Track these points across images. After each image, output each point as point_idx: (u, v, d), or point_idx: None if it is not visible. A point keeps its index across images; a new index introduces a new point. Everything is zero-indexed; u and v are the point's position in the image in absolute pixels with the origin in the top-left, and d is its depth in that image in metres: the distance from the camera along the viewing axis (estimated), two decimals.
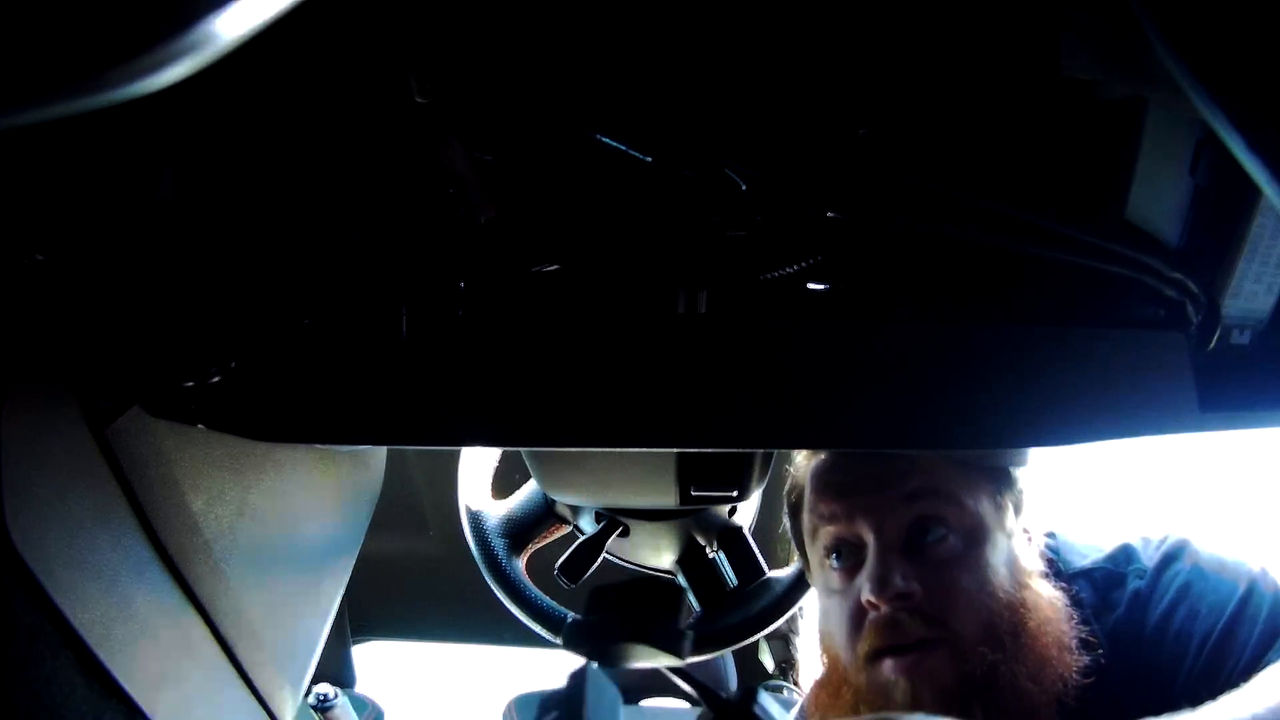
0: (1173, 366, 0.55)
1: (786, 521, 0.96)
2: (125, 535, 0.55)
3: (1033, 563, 0.84)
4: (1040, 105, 0.52)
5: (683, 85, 0.52)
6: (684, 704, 2.60)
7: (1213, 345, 0.55)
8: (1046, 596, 0.81)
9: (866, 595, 0.78)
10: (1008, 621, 0.78)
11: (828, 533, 0.83)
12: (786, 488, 0.94)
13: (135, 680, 0.53)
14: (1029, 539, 0.86)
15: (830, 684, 0.84)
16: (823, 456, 0.87)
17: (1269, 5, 0.29)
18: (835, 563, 0.83)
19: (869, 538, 0.80)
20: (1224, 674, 0.76)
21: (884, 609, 0.77)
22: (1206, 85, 0.29)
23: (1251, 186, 0.32)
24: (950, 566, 0.78)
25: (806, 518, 0.89)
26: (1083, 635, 0.80)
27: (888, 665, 0.77)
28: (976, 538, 0.80)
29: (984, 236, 0.54)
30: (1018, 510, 0.85)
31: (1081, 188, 0.54)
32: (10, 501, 0.46)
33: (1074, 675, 0.78)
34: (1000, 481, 0.84)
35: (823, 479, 0.85)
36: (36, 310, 0.50)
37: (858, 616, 0.80)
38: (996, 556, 0.80)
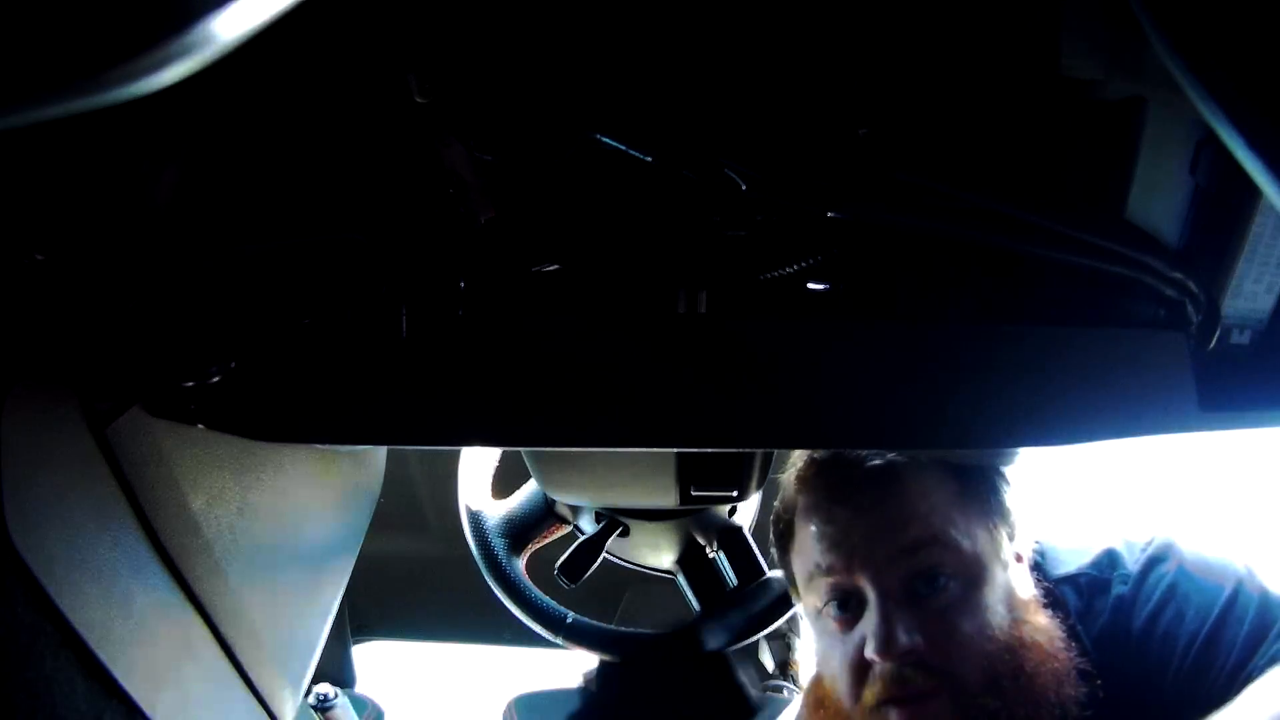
0: (1173, 366, 0.55)
1: (774, 553, 0.96)
2: (125, 535, 0.55)
3: (1027, 590, 0.84)
4: (1040, 105, 0.52)
5: (683, 85, 0.52)
6: None
7: (1213, 345, 0.55)
8: (1044, 629, 0.81)
9: (871, 652, 0.78)
10: (1007, 665, 0.78)
11: (826, 583, 0.83)
12: (772, 516, 0.94)
13: (135, 680, 0.53)
14: (1022, 561, 0.86)
15: (830, 714, 0.84)
16: (812, 494, 0.86)
17: (1268, 5, 0.29)
18: (834, 611, 0.83)
19: (870, 592, 0.79)
20: (1210, 676, 0.76)
21: (888, 664, 0.77)
22: (1206, 84, 0.29)
23: (1251, 186, 0.32)
24: (951, 613, 0.78)
25: (798, 563, 0.88)
26: (1080, 666, 0.80)
27: (893, 715, 0.77)
28: (975, 580, 0.80)
29: (984, 236, 0.54)
30: (1011, 537, 0.85)
31: (1081, 187, 0.54)
32: (10, 501, 0.46)
33: (1073, 708, 0.78)
34: (994, 513, 0.84)
35: (817, 529, 0.84)
36: (36, 310, 0.50)
37: (861, 668, 0.80)
38: (994, 595, 0.80)
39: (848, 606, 0.82)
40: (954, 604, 0.79)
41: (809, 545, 0.85)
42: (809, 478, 0.87)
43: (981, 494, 0.84)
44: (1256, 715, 0.67)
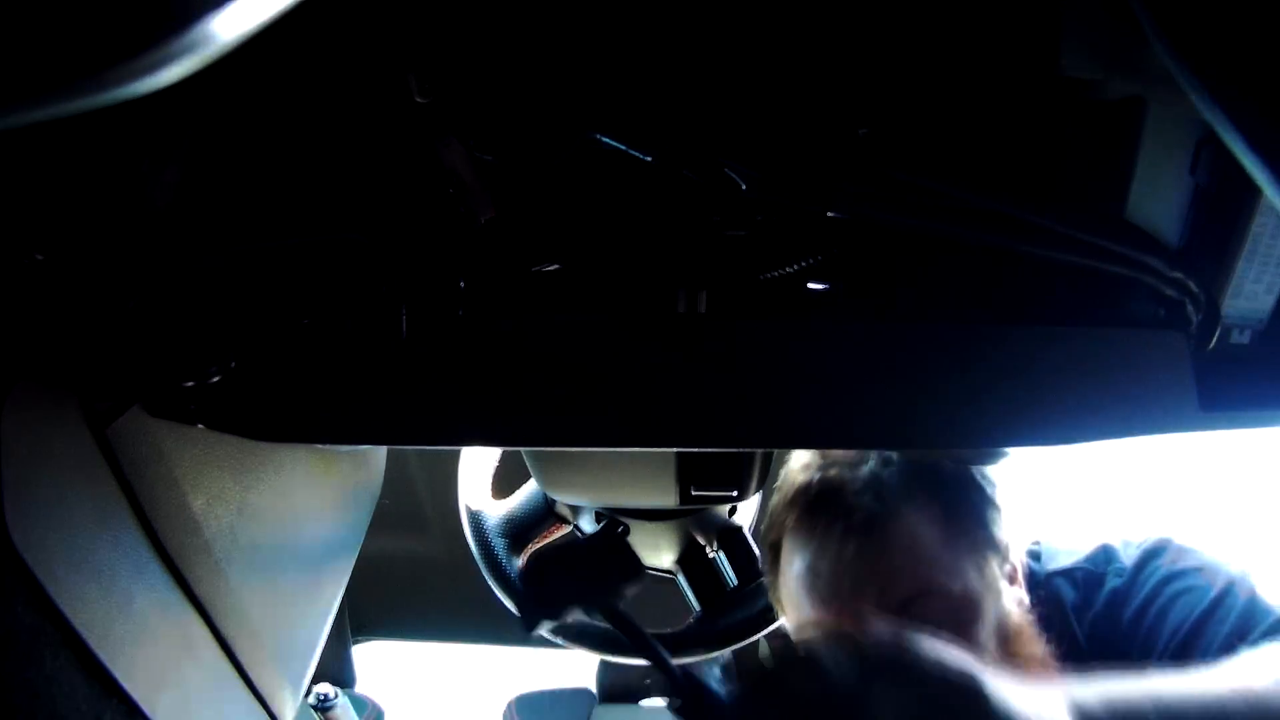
0: (1173, 366, 0.55)
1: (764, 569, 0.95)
2: (125, 535, 0.55)
3: (1020, 615, 0.84)
4: (1040, 105, 0.52)
5: (683, 85, 0.52)
6: None
7: (1213, 345, 0.55)
8: (1037, 659, 0.81)
9: None
10: None
11: (815, 631, 0.83)
12: (762, 533, 0.93)
13: (135, 680, 0.53)
14: (1015, 582, 0.86)
15: None
16: (797, 538, 0.85)
17: (1268, 4, 0.29)
18: None
19: None
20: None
21: None
22: (1206, 84, 0.29)
23: (1251, 186, 0.32)
24: None
25: (786, 603, 0.87)
26: None
27: None
28: (967, 620, 0.80)
29: (984, 236, 0.54)
30: (1003, 561, 0.84)
31: (1082, 187, 0.54)
32: (10, 501, 0.46)
33: None
34: (984, 546, 0.83)
35: (804, 578, 0.83)
36: (36, 310, 0.50)
37: None
38: (985, 630, 0.80)
39: None
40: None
41: (796, 591, 0.84)
42: (793, 522, 0.86)
43: (969, 528, 0.84)
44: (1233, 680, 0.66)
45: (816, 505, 0.85)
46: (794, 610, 0.85)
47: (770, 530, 0.90)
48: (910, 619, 0.78)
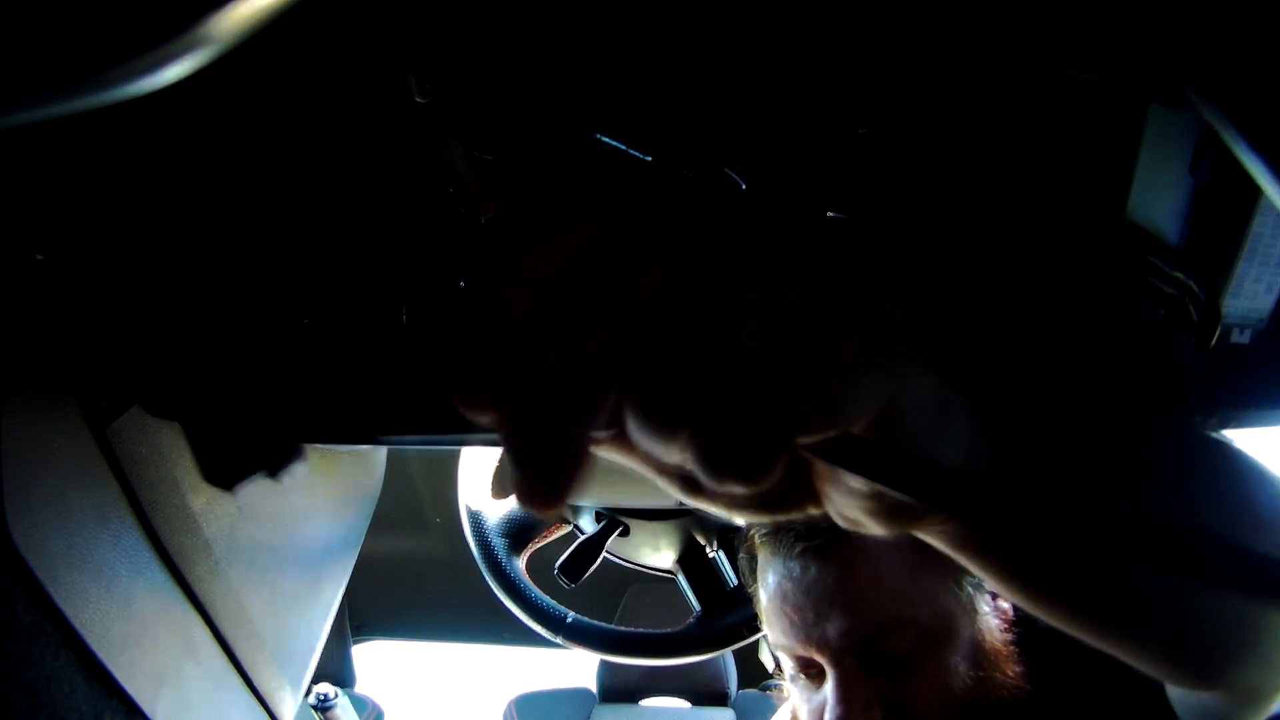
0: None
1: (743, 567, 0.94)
2: (125, 535, 0.55)
3: (998, 636, 0.82)
4: (1040, 104, 0.52)
5: (683, 84, 0.52)
6: (684, 703, 2.60)
7: (1213, 345, 0.55)
8: (1009, 685, 0.80)
9: None
10: None
11: (786, 655, 0.83)
12: (741, 551, 0.92)
13: (135, 680, 0.53)
14: (997, 595, 0.85)
15: None
16: (765, 557, 0.84)
17: (1268, 5, 0.29)
18: (800, 675, 0.83)
19: (829, 670, 0.79)
20: None
21: None
22: (1207, 84, 0.29)
23: (1251, 186, 0.32)
24: (910, 683, 0.77)
25: (764, 619, 0.86)
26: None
27: None
28: (936, 645, 0.78)
29: (984, 235, 0.54)
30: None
31: (1082, 186, 0.54)
32: (10, 501, 0.46)
33: None
34: (958, 567, 0.83)
35: (772, 605, 0.83)
36: (36, 310, 0.50)
37: None
38: (957, 655, 0.79)
39: (810, 673, 0.82)
40: (913, 673, 0.77)
41: (768, 614, 0.84)
42: (762, 536, 0.85)
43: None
44: None
45: (781, 523, 0.83)
46: (769, 629, 0.85)
47: (748, 539, 0.89)
48: (873, 649, 0.77)
